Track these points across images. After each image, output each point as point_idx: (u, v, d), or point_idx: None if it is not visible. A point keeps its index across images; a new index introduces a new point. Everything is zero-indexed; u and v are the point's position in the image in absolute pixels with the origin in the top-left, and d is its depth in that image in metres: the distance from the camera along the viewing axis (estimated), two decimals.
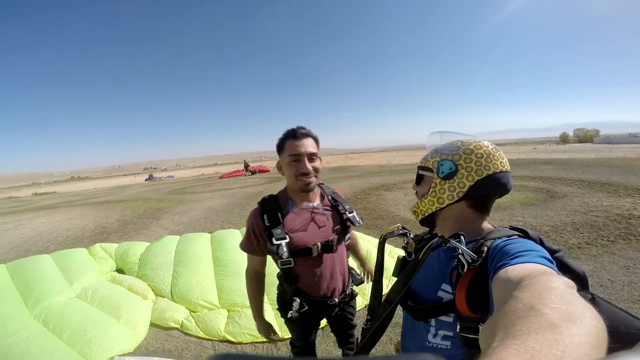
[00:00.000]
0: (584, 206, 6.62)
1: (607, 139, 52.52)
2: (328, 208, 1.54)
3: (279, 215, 1.41)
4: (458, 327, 0.76)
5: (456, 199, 0.87)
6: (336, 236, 1.50)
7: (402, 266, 1.06)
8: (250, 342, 2.74)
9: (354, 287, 1.72)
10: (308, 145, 1.38)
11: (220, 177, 27.85)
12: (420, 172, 0.97)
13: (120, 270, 4.29)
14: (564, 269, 0.74)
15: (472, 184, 0.85)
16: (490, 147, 0.88)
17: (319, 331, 1.86)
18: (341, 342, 1.80)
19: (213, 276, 3.73)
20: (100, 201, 17.27)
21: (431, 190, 0.91)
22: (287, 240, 1.37)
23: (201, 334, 2.89)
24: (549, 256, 0.65)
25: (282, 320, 1.62)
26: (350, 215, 1.55)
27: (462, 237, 0.80)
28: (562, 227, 5.34)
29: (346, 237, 1.60)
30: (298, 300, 1.45)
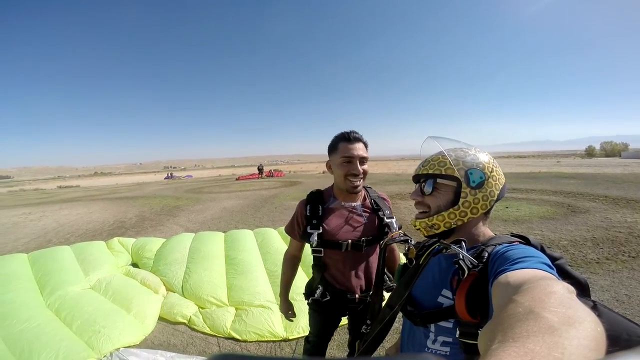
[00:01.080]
0: (606, 222, 6.42)
1: (636, 154, 50.06)
2: (368, 210, 1.61)
3: (320, 208, 1.55)
4: (457, 332, 0.76)
5: (488, 207, 0.88)
6: (369, 238, 1.55)
7: (402, 273, 1.06)
8: (255, 341, 2.76)
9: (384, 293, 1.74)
10: (360, 148, 1.49)
11: (237, 179, 28.28)
12: (440, 180, 0.90)
13: (135, 265, 4.40)
14: (565, 276, 0.74)
15: (498, 192, 0.88)
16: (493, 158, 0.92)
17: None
18: (351, 342, 1.81)
19: (224, 274, 3.78)
20: (120, 197, 17.82)
21: (462, 200, 0.87)
22: (320, 232, 1.51)
23: (207, 330, 2.93)
24: (549, 262, 0.65)
25: (291, 321, 1.76)
26: (388, 220, 1.59)
27: (463, 243, 0.80)
28: (582, 241, 5.18)
29: (382, 242, 1.60)
30: (321, 288, 1.58)
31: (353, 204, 1.58)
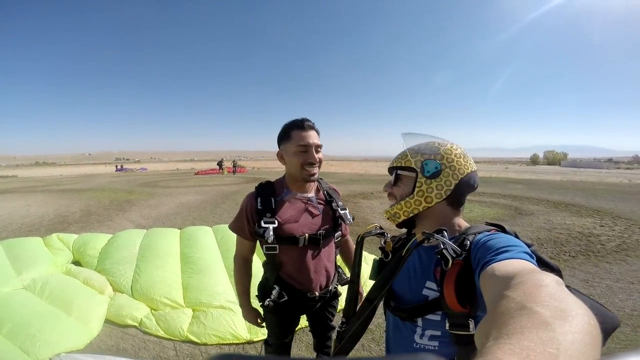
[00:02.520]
0: (548, 223, 7.00)
1: (573, 163, 55.76)
2: (322, 202, 1.55)
3: (273, 200, 1.44)
4: (447, 324, 0.75)
5: (444, 197, 0.89)
6: (325, 231, 1.49)
7: (379, 267, 1.05)
8: (216, 344, 2.59)
9: (339, 287, 1.68)
10: (314, 136, 1.43)
11: (196, 174, 27.00)
12: (400, 172, 0.96)
13: (77, 263, 3.99)
14: (540, 262, 0.73)
15: (457, 182, 0.89)
16: (461, 148, 0.94)
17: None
18: (318, 345, 1.73)
19: (179, 273, 3.55)
20: (64, 189, 16.36)
21: (417, 190, 0.90)
22: (275, 225, 1.38)
23: (161, 334, 2.70)
24: (529, 251, 0.67)
25: (262, 327, 1.63)
26: (342, 212, 1.55)
27: (445, 232, 0.80)
28: (529, 242, 5.62)
29: (336, 234, 1.58)
30: (278, 288, 1.46)
31: (308, 195, 1.51)
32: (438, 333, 0.83)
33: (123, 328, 2.82)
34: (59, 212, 9.24)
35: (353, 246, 1.75)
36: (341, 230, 1.61)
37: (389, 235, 1.10)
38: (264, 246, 1.44)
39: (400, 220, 0.96)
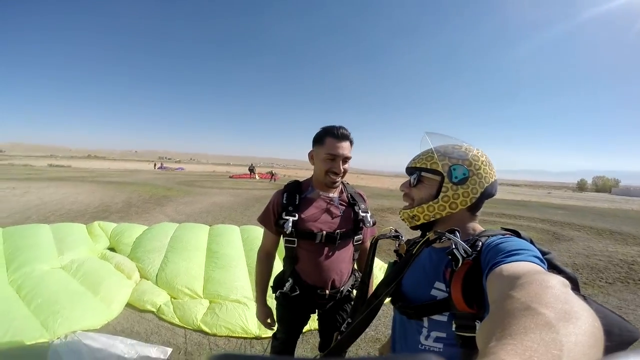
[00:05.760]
0: (588, 250, 6.56)
1: (626, 191, 50.85)
2: (344, 203, 1.60)
3: (297, 197, 1.53)
4: (454, 325, 0.75)
5: (468, 204, 0.88)
6: (343, 231, 1.53)
7: (392, 269, 1.04)
8: (225, 336, 2.66)
9: (353, 291, 1.68)
10: (346, 147, 1.48)
11: (231, 177, 28.01)
12: (424, 174, 0.93)
13: (112, 250, 4.26)
14: (555, 270, 0.72)
15: (482, 190, 0.87)
16: (486, 155, 0.92)
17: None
18: (322, 345, 1.76)
19: (203, 266, 3.69)
20: (110, 181, 17.61)
21: (442, 195, 0.88)
22: (295, 219, 1.47)
23: (176, 321, 2.82)
24: (540, 256, 0.66)
25: (272, 330, 1.70)
26: (363, 215, 1.58)
27: (457, 233, 0.79)
28: (563, 266, 5.27)
29: (356, 237, 1.61)
30: (291, 281, 1.53)
31: (331, 194, 1.57)
32: (443, 335, 0.83)
33: (141, 313, 2.97)
34: (103, 202, 9.96)
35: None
36: (362, 234, 1.63)
37: (404, 238, 1.10)
38: (284, 239, 1.53)
39: (418, 223, 0.94)
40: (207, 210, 9.28)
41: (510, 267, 0.58)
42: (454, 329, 0.75)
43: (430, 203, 0.90)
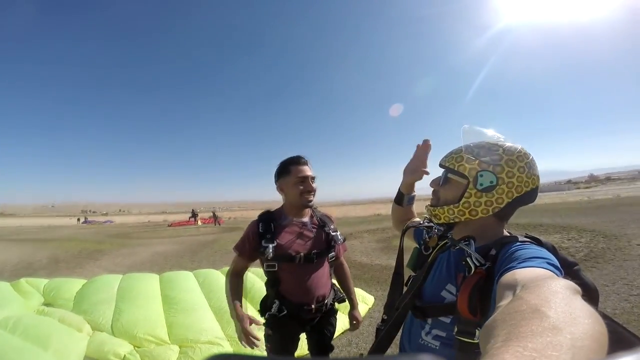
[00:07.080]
0: None
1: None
2: (315, 226, 1.76)
3: (272, 225, 1.66)
4: (455, 329, 0.77)
5: (490, 213, 0.83)
6: (318, 251, 1.68)
7: (417, 258, 1.05)
8: None
9: (335, 304, 1.81)
10: (309, 169, 1.69)
11: (170, 225, 25.97)
12: (451, 175, 0.90)
13: (49, 305, 3.69)
14: (576, 280, 0.77)
15: (510, 201, 0.82)
16: (531, 156, 0.85)
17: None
18: None
19: (162, 312, 3.39)
20: (26, 238, 15.39)
21: (464, 200, 0.84)
22: (274, 245, 1.59)
23: None
24: (557, 264, 0.66)
25: (255, 347, 1.66)
26: (334, 234, 1.77)
27: (472, 241, 0.81)
28: (573, 260, 5.83)
29: (330, 255, 1.75)
30: (277, 303, 1.61)
31: (303, 219, 1.73)
32: (443, 334, 0.85)
33: None
34: (22, 259, 8.73)
35: (347, 270, 1.94)
36: (334, 252, 1.78)
37: (436, 231, 1.06)
38: (264, 264, 1.64)
39: (440, 222, 0.94)
40: (150, 261, 8.56)
41: (522, 272, 0.59)
42: (455, 332, 0.76)
43: (451, 206, 0.87)
